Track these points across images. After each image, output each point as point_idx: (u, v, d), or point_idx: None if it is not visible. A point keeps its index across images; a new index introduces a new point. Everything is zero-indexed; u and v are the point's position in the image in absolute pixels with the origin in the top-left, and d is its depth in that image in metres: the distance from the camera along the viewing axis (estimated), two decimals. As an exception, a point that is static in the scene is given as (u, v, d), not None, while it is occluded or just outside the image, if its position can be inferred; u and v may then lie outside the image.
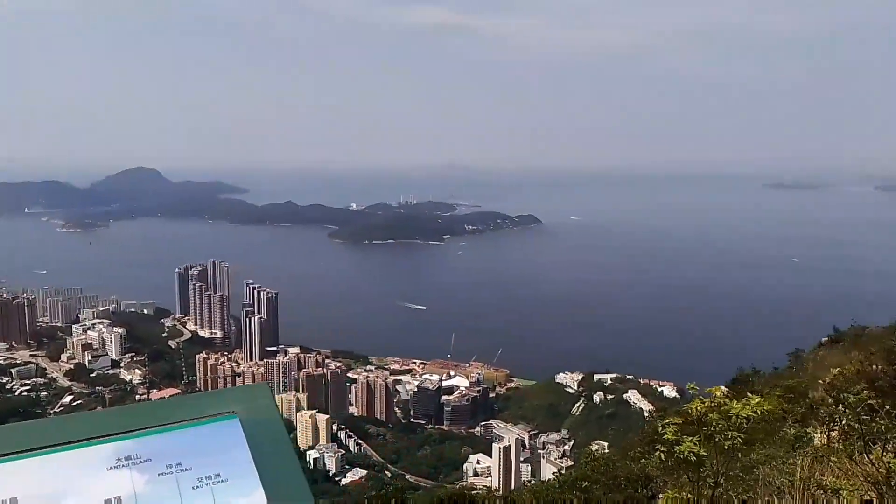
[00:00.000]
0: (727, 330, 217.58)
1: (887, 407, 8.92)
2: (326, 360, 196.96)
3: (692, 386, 9.67)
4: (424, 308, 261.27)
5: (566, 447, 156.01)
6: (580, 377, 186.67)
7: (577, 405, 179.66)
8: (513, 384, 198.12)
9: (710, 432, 8.23)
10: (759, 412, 8.10)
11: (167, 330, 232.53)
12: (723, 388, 9.33)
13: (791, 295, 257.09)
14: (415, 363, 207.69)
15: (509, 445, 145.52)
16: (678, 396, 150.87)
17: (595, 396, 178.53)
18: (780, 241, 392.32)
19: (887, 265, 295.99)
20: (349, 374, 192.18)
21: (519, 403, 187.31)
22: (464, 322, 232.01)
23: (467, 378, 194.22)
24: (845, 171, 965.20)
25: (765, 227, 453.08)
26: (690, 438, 8.08)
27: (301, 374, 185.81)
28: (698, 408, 8.59)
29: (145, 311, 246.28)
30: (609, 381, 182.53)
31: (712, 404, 8.63)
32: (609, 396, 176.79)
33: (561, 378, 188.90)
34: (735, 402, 8.17)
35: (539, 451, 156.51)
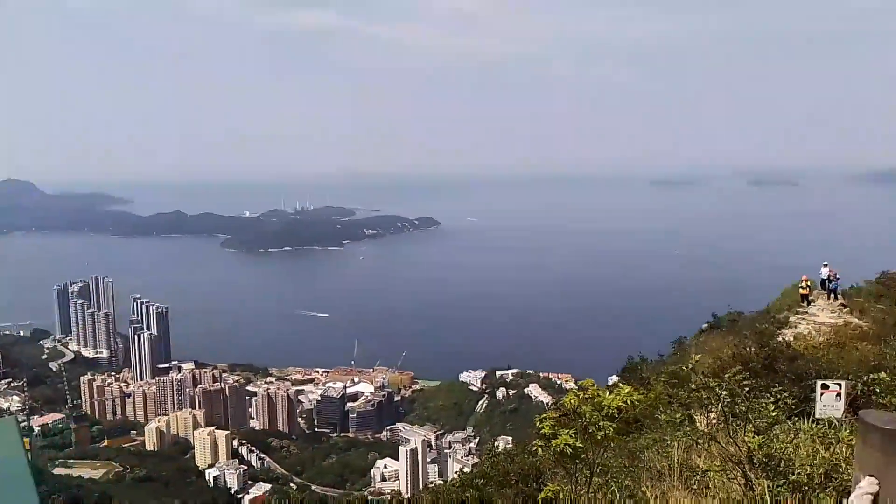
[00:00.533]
0: (619, 321, 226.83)
1: (747, 390, 9.33)
2: (224, 375, 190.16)
3: (587, 382, 9.76)
4: (326, 315, 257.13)
5: (471, 445, 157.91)
6: (483, 375, 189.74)
7: (480, 402, 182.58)
8: (418, 386, 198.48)
9: (584, 424, 8.33)
10: (629, 402, 8.24)
11: (47, 352, 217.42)
12: (591, 380, 9.42)
13: (676, 285, 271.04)
14: (317, 372, 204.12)
15: (416, 448, 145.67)
16: (576, 387, 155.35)
17: (498, 393, 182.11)
18: (665, 234, 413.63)
19: (760, 253, 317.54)
20: (248, 388, 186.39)
21: (424, 405, 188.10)
22: (367, 327, 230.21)
23: (372, 383, 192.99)
24: (720, 167, 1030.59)
25: (651, 222, 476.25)
26: (566, 431, 8.15)
27: (197, 390, 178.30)
28: (572, 401, 8.70)
29: (21, 333, 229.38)
30: (511, 377, 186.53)
31: (585, 397, 8.76)
32: (511, 392, 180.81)
33: (465, 377, 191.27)
34: (608, 393, 8.29)
35: (446, 450, 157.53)
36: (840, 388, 8.86)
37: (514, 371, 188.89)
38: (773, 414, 8.46)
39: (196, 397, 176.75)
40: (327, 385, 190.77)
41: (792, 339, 24.78)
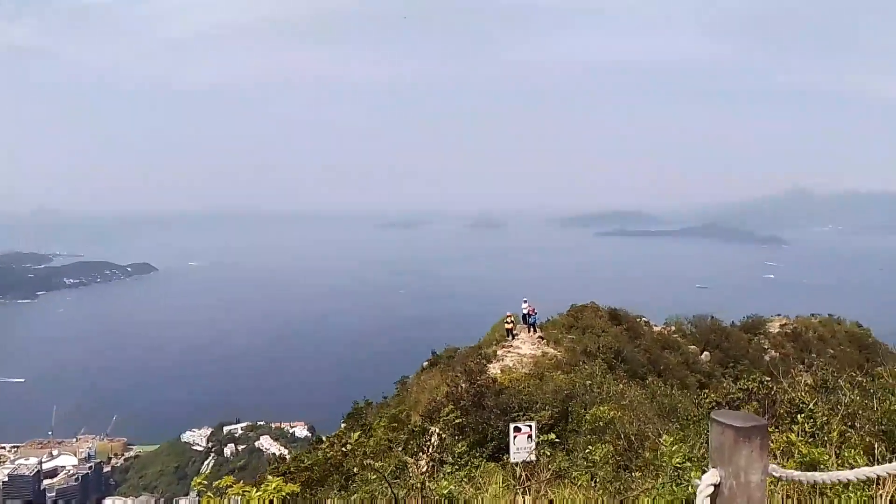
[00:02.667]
0: (349, 360, 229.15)
1: (444, 436, 9.57)
2: None
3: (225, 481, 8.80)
4: (23, 381, 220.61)
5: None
6: (209, 432, 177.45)
7: (206, 462, 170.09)
8: (132, 453, 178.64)
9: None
10: (276, 499, 7.56)
11: None
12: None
13: (401, 323, 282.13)
14: (3, 448, 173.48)
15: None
16: (310, 435, 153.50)
17: (226, 450, 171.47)
18: (389, 273, 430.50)
19: (476, 290, 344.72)
20: None
21: (140, 472, 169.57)
22: (70, 391, 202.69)
23: (75, 455, 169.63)
24: (442, 210, 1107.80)
25: (377, 261, 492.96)
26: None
27: None
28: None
29: None
30: (240, 431, 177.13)
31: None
32: (241, 447, 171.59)
33: (188, 436, 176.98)
34: (254, 490, 7.56)
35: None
36: (531, 430, 9.42)
37: (244, 424, 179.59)
38: (470, 459, 8.71)
39: None
40: (18, 461, 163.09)
41: (499, 371, 26.83)
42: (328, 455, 18.02)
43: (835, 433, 8.23)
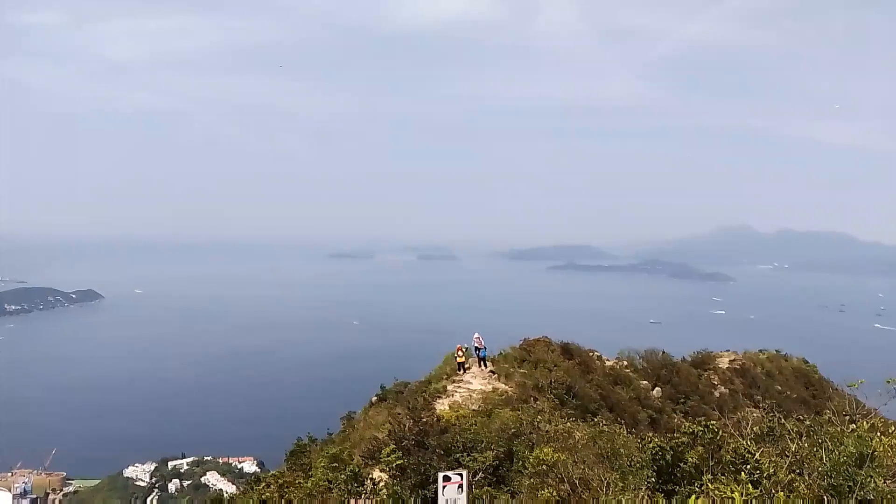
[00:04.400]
0: (299, 392, 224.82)
1: (384, 478, 8.97)
2: None
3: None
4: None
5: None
6: (153, 467, 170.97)
7: (150, 499, 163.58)
8: (71, 488, 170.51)
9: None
10: None
11: None
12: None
13: (353, 354, 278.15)
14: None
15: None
16: (258, 470, 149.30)
17: (171, 486, 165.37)
18: (342, 304, 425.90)
19: (428, 321, 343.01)
20: None
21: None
22: (6, 422, 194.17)
23: (10, 490, 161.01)
24: (393, 241, 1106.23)
25: (329, 292, 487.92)
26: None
27: None
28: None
29: None
30: (186, 466, 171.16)
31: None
32: (186, 483, 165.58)
33: (130, 471, 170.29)
34: None
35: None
36: (462, 479, 8.80)
37: (190, 459, 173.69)
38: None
39: None
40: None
41: (447, 407, 26.16)
42: (263, 498, 17.10)
43: (781, 486, 7.92)
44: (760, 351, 67.35)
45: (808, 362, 67.85)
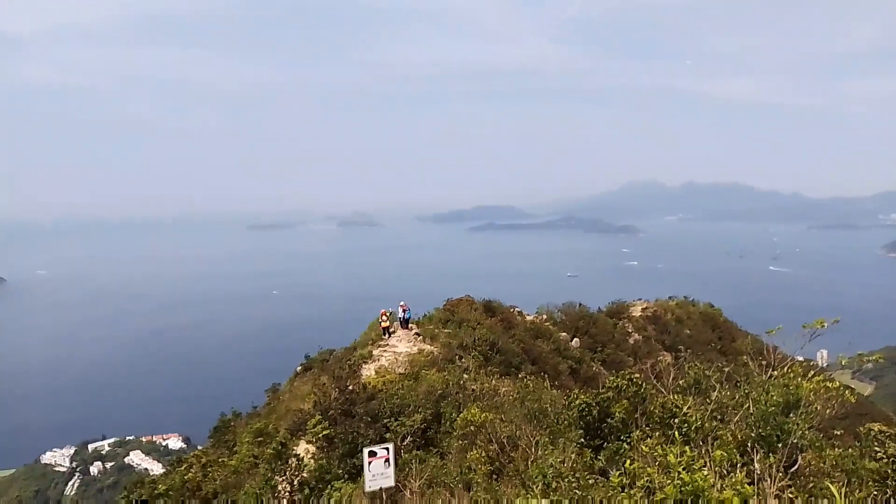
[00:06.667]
0: (222, 367, 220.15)
1: (310, 450, 8.91)
2: None
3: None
4: None
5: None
6: (73, 451, 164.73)
7: (71, 484, 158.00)
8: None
9: None
10: None
11: None
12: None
13: (275, 326, 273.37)
14: None
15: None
16: (185, 446, 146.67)
17: (92, 469, 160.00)
18: (262, 276, 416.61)
19: (351, 288, 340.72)
20: None
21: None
22: None
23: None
24: (314, 211, 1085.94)
25: (249, 265, 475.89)
26: None
27: None
28: None
29: None
30: (107, 448, 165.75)
31: None
32: (109, 464, 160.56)
33: (48, 457, 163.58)
34: None
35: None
36: (388, 453, 8.65)
37: (112, 440, 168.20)
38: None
39: None
40: None
41: (374, 373, 26.22)
42: (185, 478, 16.69)
43: (709, 438, 8.18)
44: (670, 298, 70.35)
45: (713, 306, 71.54)
